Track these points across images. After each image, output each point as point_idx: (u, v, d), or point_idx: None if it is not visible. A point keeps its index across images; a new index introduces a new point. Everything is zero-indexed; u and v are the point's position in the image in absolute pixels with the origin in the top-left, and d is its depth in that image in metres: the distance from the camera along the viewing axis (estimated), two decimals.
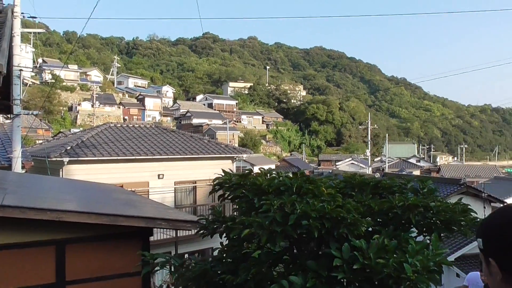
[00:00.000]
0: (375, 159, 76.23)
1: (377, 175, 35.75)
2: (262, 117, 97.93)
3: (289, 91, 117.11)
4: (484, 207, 22.73)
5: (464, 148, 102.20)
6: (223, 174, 4.46)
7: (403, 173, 47.82)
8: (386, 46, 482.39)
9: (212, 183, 4.58)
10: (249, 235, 3.60)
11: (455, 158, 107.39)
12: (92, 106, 64.94)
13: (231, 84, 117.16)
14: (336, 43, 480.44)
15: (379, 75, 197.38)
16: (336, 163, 69.14)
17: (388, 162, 58.00)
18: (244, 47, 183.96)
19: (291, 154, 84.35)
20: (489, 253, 1.31)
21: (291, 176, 4.23)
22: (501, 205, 27.02)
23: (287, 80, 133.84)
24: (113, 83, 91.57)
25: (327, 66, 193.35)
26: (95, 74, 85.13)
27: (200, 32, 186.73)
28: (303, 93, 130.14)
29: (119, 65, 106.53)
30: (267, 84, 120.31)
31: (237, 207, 4.52)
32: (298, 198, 3.79)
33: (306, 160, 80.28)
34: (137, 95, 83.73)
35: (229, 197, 4.39)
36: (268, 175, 4.68)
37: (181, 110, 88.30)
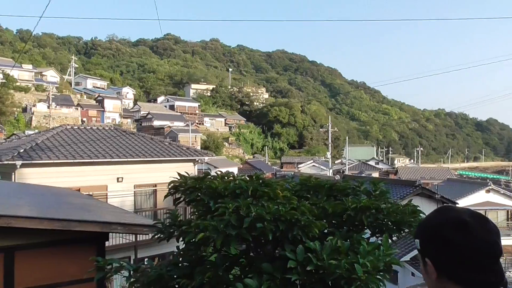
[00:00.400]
0: (335, 162, 77.73)
1: (337, 177, 36.47)
2: (225, 120, 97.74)
3: (251, 94, 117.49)
4: None
5: (420, 151, 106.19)
6: (178, 178, 4.42)
7: (363, 175, 49.03)
8: (347, 51, 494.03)
9: (168, 187, 4.54)
10: (204, 239, 3.59)
11: (412, 161, 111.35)
12: (48, 107, 62.49)
13: (193, 86, 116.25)
14: (298, 46, 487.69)
15: (340, 79, 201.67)
16: (298, 166, 70.03)
17: (348, 164, 59.32)
18: (206, 49, 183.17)
19: (254, 157, 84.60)
20: (425, 253, 1.37)
21: (247, 179, 4.26)
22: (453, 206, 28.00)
23: (250, 83, 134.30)
24: (71, 84, 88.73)
25: (289, 70, 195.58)
26: (51, 75, 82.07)
27: (161, 33, 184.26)
28: (266, 95, 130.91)
29: (77, 66, 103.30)
30: (229, 87, 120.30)
31: (195, 210, 4.49)
32: (254, 201, 3.82)
33: (269, 163, 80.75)
34: (96, 96, 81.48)
35: (185, 201, 4.36)
36: (226, 177, 4.69)
37: (142, 112, 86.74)
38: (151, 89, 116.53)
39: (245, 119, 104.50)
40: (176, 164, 18.63)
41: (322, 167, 65.31)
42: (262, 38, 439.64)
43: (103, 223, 5.54)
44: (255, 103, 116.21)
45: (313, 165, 67.11)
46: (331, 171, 56.12)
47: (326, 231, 4.07)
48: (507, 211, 35.67)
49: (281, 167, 75.84)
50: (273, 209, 3.57)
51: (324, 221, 4.04)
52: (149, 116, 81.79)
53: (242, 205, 3.58)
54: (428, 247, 1.37)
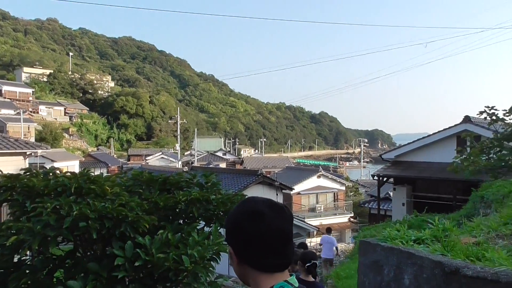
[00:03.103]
0: (185, 153, 78.10)
1: (185, 168, 36.76)
2: (65, 108, 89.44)
3: (95, 81, 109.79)
4: (277, 194, 25.69)
5: (263, 142, 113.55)
6: None
7: (211, 166, 50.31)
8: (196, 43, 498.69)
9: None
10: (18, 242, 3.26)
11: (257, 151, 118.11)
12: None
13: (26, 69, 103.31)
14: (147, 34, 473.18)
15: (189, 71, 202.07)
16: (147, 158, 68.37)
17: (197, 156, 60.14)
18: (42, 29, 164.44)
19: (98, 149, 79.64)
20: (228, 241, 1.50)
21: (71, 176, 4.00)
22: (290, 191, 30.44)
23: (94, 70, 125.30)
24: None
25: (137, 58, 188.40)
26: None
27: None
28: (111, 84, 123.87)
29: None
30: (70, 73, 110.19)
31: (11, 211, 4.04)
32: (79, 199, 3.61)
33: (115, 155, 77.10)
34: None
35: None
36: (52, 174, 4.33)
37: None
38: None
39: (88, 109, 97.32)
40: (2, 158, 16.45)
41: (171, 159, 64.94)
42: (108, 22, 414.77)
43: None
44: (99, 92, 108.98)
45: (162, 157, 66.30)
46: (180, 162, 56.27)
47: (160, 225, 4.09)
48: (334, 193, 40.65)
49: (128, 160, 73.17)
50: (99, 207, 3.43)
51: (156, 215, 4.04)
52: None
53: (64, 203, 3.35)
54: (230, 236, 1.50)
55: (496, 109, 12.11)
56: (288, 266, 1.50)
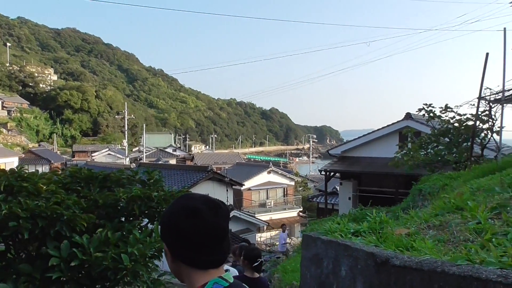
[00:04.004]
0: (133, 149, 76.23)
1: (133, 165, 35.87)
2: (2, 102, 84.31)
3: (36, 74, 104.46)
4: (227, 190, 25.70)
5: (214, 138, 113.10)
6: None
7: (160, 162, 49.39)
8: (145, 36, 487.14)
9: None
10: None
11: (207, 147, 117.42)
12: None
13: None
14: (92, 26, 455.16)
15: (137, 65, 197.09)
16: (92, 154, 66.05)
17: (146, 152, 58.81)
18: None
19: (39, 145, 75.95)
20: (163, 238, 1.48)
21: (0, 173, 3.78)
22: (241, 187, 30.56)
23: (35, 62, 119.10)
24: None
25: (82, 51, 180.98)
26: None
27: None
28: (54, 77, 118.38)
29: None
30: (8, 64, 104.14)
31: None
32: (10, 197, 3.43)
33: (58, 151, 73.92)
34: None
35: None
36: None
37: None
38: None
39: (28, 103, 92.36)
40: None
41: (118, 155, 63.13)
42: (49, 12, 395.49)
43: None
44: (41, 85, 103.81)
45: (109, 153, 64.27)
46: (127, 159, 54.80)
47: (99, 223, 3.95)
48: (284, 188, 41.22)
49: (73, 156, 70.34)
50: (32, 205, 3.27)
51: (96, 213, 3.91)
52: None
53: None
54: (164, 233, 1.47)
55: (433, 107, 12.76)
56: (223, 262, 1.50)
